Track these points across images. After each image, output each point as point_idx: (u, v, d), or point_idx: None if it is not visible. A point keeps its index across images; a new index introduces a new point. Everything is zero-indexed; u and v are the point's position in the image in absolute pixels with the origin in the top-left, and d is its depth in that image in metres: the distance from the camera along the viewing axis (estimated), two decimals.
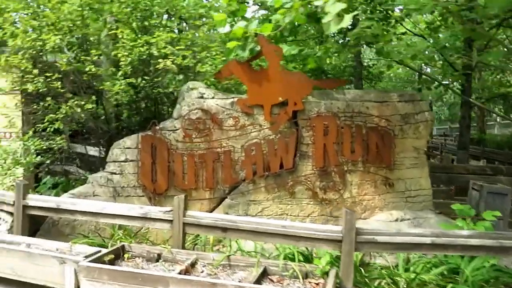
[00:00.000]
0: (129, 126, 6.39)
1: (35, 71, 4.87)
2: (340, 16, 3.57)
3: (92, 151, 7.15)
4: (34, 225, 5.30)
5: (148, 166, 5.21)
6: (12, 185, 6.01)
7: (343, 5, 3.39)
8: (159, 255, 4.29)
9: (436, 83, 13.19)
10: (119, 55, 4.85)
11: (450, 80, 12.40)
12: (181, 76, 6.30)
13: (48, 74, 4.89)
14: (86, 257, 4.02)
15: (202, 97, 5.34)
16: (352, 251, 3.91)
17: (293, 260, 4.30)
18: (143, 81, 5.19)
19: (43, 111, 5.82)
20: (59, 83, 4.86)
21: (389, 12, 9.53)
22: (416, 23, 12.49)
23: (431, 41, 8.61)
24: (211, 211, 5.23)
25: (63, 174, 7.88)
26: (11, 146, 5.89)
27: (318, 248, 4.17)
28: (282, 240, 4.13)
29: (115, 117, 6.43)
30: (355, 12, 3.49)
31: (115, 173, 5.30)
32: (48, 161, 5.58)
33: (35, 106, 5.72)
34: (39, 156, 5.58)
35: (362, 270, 4.35)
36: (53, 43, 4.70)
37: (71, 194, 5.25)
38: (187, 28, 6.63)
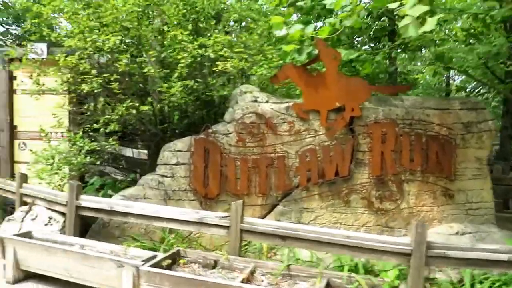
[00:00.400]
0: (175, 128, 6.33)
1: (94, 71, 4.86)
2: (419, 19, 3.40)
3: (135, 153, 7.13)
4: (82, 225, 5.28)
5: (201, 170, 5.12)
6: (59, 185, 6.02)
7: (425, 8, 3.22)
8: (216, 262, 4.18)
9: (467, 91, 12.80)
10: (179, 56, 4.79)
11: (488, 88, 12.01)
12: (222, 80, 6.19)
13: (105, 75, 4.88)
14: (144, 261, 3.94)
15: (256, 101, 5.23)
16: (422, 265, 3.71)
17: (353, 272, 4.12)
18: (196, 84, 5.12)
19: (91, 111, 5.82)
20: (117, 84, 4.83)
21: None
22: (451, 30, 12.14)
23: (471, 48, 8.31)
24: (262, 218, 5.09)
25: (100, 175, 7.88)
26: (60, 146, 5.89)
27: (385, 261, 3.97)
28: (345, 251, 3.96)
29: (161, 119, 6.37)
30: (440, 15, 3.31)
31: (166, 176, 5.22)
32: (98, 162, 5.57)
33: (85, 107, 5.72)
34: (88, 157, 5.56)
35: (428, 285, 4.14)
36: (112, 43, 4.68)
37: (122, 196, 5.20)
38: (230, 30, 6.54)
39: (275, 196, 5.18)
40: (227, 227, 4.32)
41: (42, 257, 4.40)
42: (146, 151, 6.89)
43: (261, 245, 4.77)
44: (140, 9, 4.87)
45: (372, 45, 13.32)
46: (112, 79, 4.77)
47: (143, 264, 3.84)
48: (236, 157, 5.15)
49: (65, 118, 6.44)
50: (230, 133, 5.20)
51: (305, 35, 5.20)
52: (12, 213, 7.00)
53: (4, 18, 11.22)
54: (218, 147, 5.14)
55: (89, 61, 5.05)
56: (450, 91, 16.28)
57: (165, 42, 5.77)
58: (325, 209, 5.15)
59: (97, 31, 5.12)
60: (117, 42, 4.69)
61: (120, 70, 4.79)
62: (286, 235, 4.09)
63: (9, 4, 11.67)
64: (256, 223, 4.29)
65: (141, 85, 5.81)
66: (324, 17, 10.35)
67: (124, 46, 5.03)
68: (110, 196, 6.16)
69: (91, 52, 5.01)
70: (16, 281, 4.53)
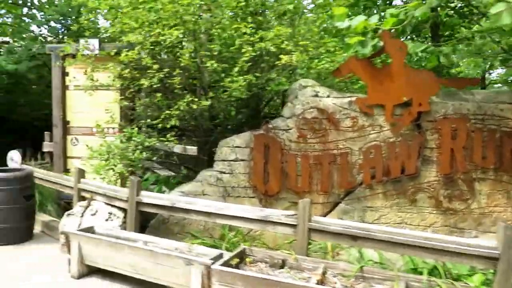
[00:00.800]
0: (227, 124, 6.25)
1: (155, 66, 4.81)
2: None
3: (183, 148, 7.08)
4: (141, 221, 5.26)
5: (260, 166, 5.01)
6: (115, 180, 6.03)
7: None
8: (284, 261, 4.06)
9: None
10: (243, 50, 4.68)
11: None
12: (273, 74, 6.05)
13: (165, 70, 4.82)
14: (213, 260, 3.87)
15: (317, 96, 5.06)
16: (510, 270, 3.47)
17: (431, 275, 3.91)
18: (255, 78, 5.00)
19: (146, 107, 5.79)
20: (178, 78, 4.76)
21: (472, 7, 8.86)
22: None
23: None
24: (324, 216, 4.93)
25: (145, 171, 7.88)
26: (116, 142, 5.88)
27: (466, 264, 3.76)
28: (422, 253, 3.75)
29: (212, 115, 6.29)
30: None
31: (224, 173, 5.14)
32: (154, 158, 5.56)
33: (140, 102, 5.69)
34: (144, 153, 5.53)
35: None
36: (175, 37, 4.61)
37: (181, 192, 5.16)
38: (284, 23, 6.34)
39: (337, 194, 5.01)
40: (294, 226, 4.20)
41: (107, 252, 4.40)
42: (195, 147, 6.82)
43: (325, 244, 4.62)
44: (202, 2, 4.78)
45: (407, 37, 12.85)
46: (174, 73, 4.71)
47: (213, 262, 3.77)
48: (297, 154, 5.01)
49: (116, 113, 6.47)
50: (290, 129, 5.06)
51: (368, 26, 5.01)
52: (66, 207, 7.11)
53: (49, 16, 11.44)
54: (279, 143, 5.02)
55: (151, 55, 4.99)
56: (486, 84, 15.70)
57: (219, 36, 5.67)
58: (389, 208, 4.94)
59: (154, 25, 5.06)
60: (180, 36, 4.62)
61: (182, 64, 4.71)
62: (358, 235, 3.92)
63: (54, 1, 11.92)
64: (325, 222, 4.14)
65: (193, 79, 5.73)
66: (369, 9, 10.04)
67: (185, 40, 4.94)
68: (163, 192, 6.16)
69: (151, 47, 4.96)
70: (81, 276, 4.56)
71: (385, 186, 4.93)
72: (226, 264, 3.78)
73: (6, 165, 7.45)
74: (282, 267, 4.04)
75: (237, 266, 3.92)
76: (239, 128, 6.11)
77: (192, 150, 6.55)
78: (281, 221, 4.26)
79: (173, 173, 7.09)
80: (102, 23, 9.78)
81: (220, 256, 4.01)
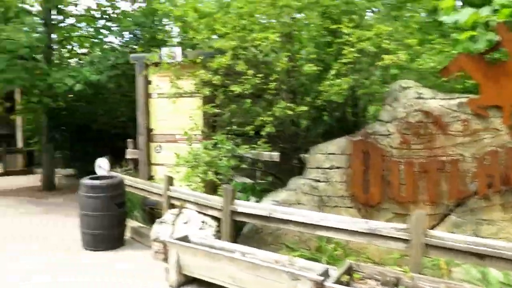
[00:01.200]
0: (313, 129, 6.00)
1: (250, 71, 4.68)
2: None
3: (266, 155, 6.93)
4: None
5: (360, 174, 4.70)
6: (201, 187, 5.98)
7: None
8: (398, 280, 3.71)
9: None
10: (344, 51, 4.42)
11: None
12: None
13: (259, 75, 4.67)
14: (322, 275, 3.63)
15: (420, 97, 4.66)
16: None
17: None
18: (352, 81, 4.70)
19: (233, 113, 5.70)
20: (274, 84, 4.60)
21: None
22: None
23: None
24: (431, 229, 4.51)
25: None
26: (201, 149, 5.83)
27: None
28: None
29: (294, 120, 6.05)
30: None
31: (319, 181, 4.89)
32: (243, 165, 5.45)
33: (227, 109, 5.60)
34: (232, 160, 5.43)
35: None
36: (271, 41, 4.46)
37: (275, 201, 4.97)
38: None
39: (446, 205, 4.57)
40: (406, 241, 3.84)
41: (205, 262, 4.31)
42: (277, 153, 6.64)
43: (438, 260, 4.20)
44: (299, 3, 4.58)
45: None
46: (271, 78, 4.54)
47: (324, 279, 3.53)
48: (400, 161, 4.63)
49: (199, 120, 6.46)
50: (391, 134, 4.70)
51: (478, 20, 4.55)
52: (151, 213, 7.24)
53: (124, 27, 11.90)
54: (379, 149, 4.67)
55: (245, 60, 4.85)
56: None
57: (299, 38, 5.46)
58: (509, 221, 4.41)
59: (244, 30, 4.94)
60: (277, 39, 4.45)
61: (277, 69, 4.54)
62: (485, 254, 3.49)
63: (126, 12, 12.38)
64: (444, 237, 3.73)
65: (281, 84, 5.54)
66: None
67: (281, 43, 4.77)
68: (249, 199, 6.02)
69: (244, 52, 4.83)
70: (179, 285, 4.51)
71: (504, 196, 4.41)
72: (338, 281, 3.52)
73: (93, 173, 7.72)
74: (395, 285, 3.70)
75: (347, 284, 3.65)
76: (326, 133, 5.84)
77: (276, 156, 6.39)
78: (391, 235, 3.92)
79: (251, 181, 6.97)
80: (177, 30, 10.00)
81: (326, 271, 3.76)
